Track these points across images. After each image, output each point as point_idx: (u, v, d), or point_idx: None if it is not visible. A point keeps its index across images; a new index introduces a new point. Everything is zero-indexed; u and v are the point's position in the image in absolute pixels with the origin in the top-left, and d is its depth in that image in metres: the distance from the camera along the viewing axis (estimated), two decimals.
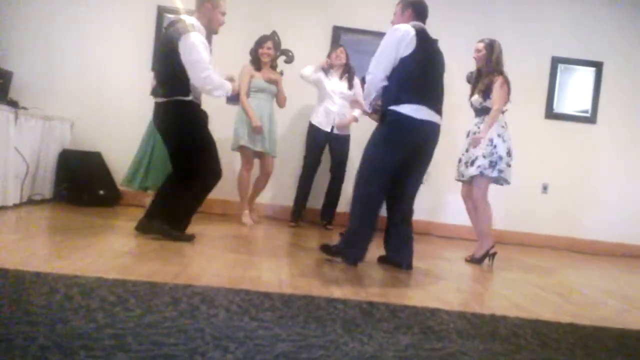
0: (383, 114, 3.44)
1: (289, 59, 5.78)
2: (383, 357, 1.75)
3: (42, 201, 5.01)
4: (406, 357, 1.78)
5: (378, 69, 3.39)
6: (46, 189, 5.13)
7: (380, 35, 5.74)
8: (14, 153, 4.47)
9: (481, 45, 4.29)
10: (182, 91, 3.57)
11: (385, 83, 3.39)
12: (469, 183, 4.32)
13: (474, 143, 4.17)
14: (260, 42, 5.09)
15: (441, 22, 5.95)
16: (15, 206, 4.51)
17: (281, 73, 5.26)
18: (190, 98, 3.59)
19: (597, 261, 5.45)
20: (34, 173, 4.89)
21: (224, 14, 3.75)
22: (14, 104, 4.67)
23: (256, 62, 5.07)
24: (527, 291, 3.34)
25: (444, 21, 5.95)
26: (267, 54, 5.05)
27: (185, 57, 3.49)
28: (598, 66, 6.15)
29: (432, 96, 3.42)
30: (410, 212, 3.65)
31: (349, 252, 3.47)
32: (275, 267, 3.15)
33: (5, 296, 1.94)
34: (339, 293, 2.63)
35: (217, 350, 1.62)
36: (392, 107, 3.35)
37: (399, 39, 3.34)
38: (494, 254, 4.19)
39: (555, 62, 6.13)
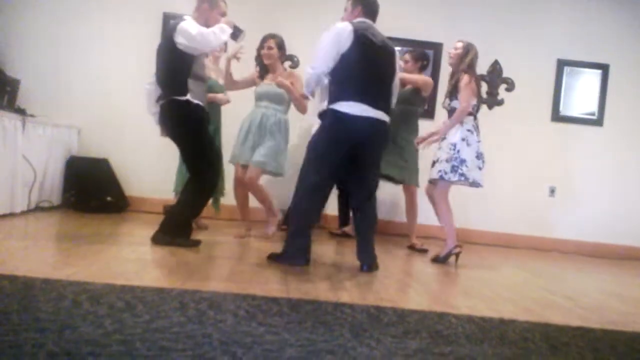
0: (323, 112, 3.48)
1: (295, 65, 5.80)
2: None
3: (50, 208, 5.04)
4: None
5: (319, 63, 3.40)
6: (54, 196, 5.16)
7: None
8: (21, 160, 4.49)
9: (460, 44, 4.30)
10: (178, 91, 3.58)
11: (325, 78, 3.42)
12: (433, 184, 4.34)
13: (427, 143, 4.30)
14: (260, 43, 4.60)
15: (445, 27, 5.97)
16: (23, 213, 4.53)
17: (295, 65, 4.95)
18: (186, 98, 3.58)
19: (606, 264, 5.41)
20: (41, 180, 4.91)
21: (223, 14, 3.75)
22: (21, 112, 4.70)
23: (261, 68, 4.66)
24: (536, 295, 3.32)
25: (449, 25, 5.96)
26: (266, 54, 4.48)
27: (185, 39, 3.49)
28: (604, 68, 6.13)
29: (372, 94, 3.40)
30: (366, 209, 3.57)
31: (295, 252, 3.42)
32: (282, 272, 3.15)
33: (14, 303, 1.95)
34: (346, 298, 2.63)
35: (225, 356, 1.62)
36: (330, 106, 3.40)
37: (336, 36, 3.38)
38: (458, 254, 4.19)
39: (561, 64, 6.11)
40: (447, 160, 4.14)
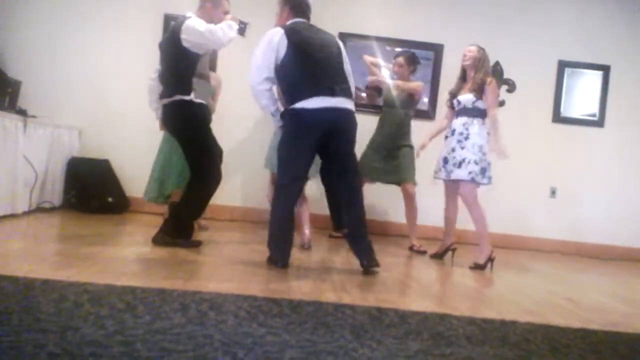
0: (282, 116, 3.47)
1: None
2: None
3: (51, 209, 5.04)
4: None
5: (254, 76, 3.40)
6: (55, 196, 5.16)
7: (386, 40, 5.76)
8: (22, 161, 4.49)
9: (473, 48, 4.32)
10: (182, 90, 3.58)
11: (266, 86, 3.41)
12: (453, 183, 4.29)
13: (501, 154, 4.15)
14: None
15: (446, 26, 5.97)
16: (25, 214, 4.53)
17: None
18: (190, 97, 3.59)
19: (607, 266, 5.41)
20: (42, 181, 4.92)
21: (226, 13, 3.75)
22: (22, 113, 4.70)
23: None
24: (537, 296, 3.31)
25: (450, 26, 5.97)
26: None
27: (192, 37, 3.49)
28: (605, 70, 6.12)
29: (326, 85, 3.37)
30: (352, 203, 3.52)
31: (277, 254, 3.40)
32: (283, 273, 3.15)
33: (15, 303, 1.95)
34: (347, 299, 2.62)
35: (226, 357, 1.62)
36: (288, 108, 3.41)
37: (268, 44, 3.38)
38: (493, 259, 4.15)
39: (562, 66, 6.11)
40: (476, 162, 4.11)
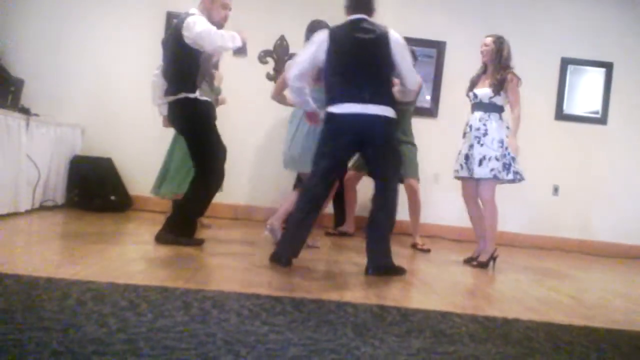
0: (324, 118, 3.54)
1: None
2: None
3: (54, 207, 5.05)
4: None
5: (290, 71, 3.49)
6: (58, 195, 5.17)
7: None
8: (25, 160, 4.50)
9: (489, 40, 4.19)
10: (187, 88, 3.58)
11: (298, 84, 3.46)
12: (474, 181, 4.19)
13: (515, 150, 4.08)
14: None
15: (448, 24, 5.96)
16: (27, 212, 4.54)
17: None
18: (195, 95, 3.60)
19: (609, 263, 5.40)
20: (45, 179, 4.92)
21: (225, 7, 3.72)
22: (25, 111, 4.71)
23: None
24: (540, 294, 3.31)
25: (452, 23, 5.95)
26: None
27: (191, 35, 3.48)
28: (608, 67, 6.11)
29: (353, 89, 3.35)
30: (376, 207, 3.49)
31: (283, 249, 3.38)
32: (285, 271, 3.15)
33: (18, 302, 1.95)
34: (349, 297, 2.63)
35: (229, 355, 1.62)
36: (327, 109, 3.44)
37: (311, 44, 3.47)
38: (496, 257, 4.14)
39: (565, 63, 6.10)
40: (497, 159, 4.03)
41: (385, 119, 3.37)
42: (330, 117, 3.40)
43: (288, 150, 4.16)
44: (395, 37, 3.43)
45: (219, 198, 4.41)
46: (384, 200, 3.47)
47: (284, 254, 3.34)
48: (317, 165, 3.46)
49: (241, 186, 5.53)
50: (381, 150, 3.44)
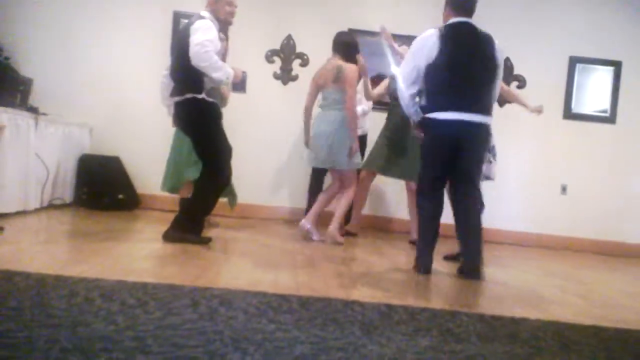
0: (419, 123, 3.51)
1: (304, 63, 5.82)
2: None
3: (63, 205, 5.08)
4: (425, 359, 1.77)
5: (401, 81, 3.46)
6: (66, 193, 5.20)
7: (394, 36, 5.72)
8: (34, 158, 4.53)
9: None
10: (194, 88, 3.59)
11: (413, 91, 3.44)
12: None
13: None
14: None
15: None
16: (36, 210, 4.57)
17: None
18: (202, 96, 3.60)
19: (617, 262, 5.37)
20: (54, 178, 4.95)
21: (230, 4, 3.73)
22: (34, 111, 4.74)
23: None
24: (547, 293, 3.30)
25: None
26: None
27: (190, 39, 3.48)
28: (617, 65, 6.07)
29: (461, 99, 3.34)
30: (469, 210, 3.51)
31: (419, 260, 3.51)
32: (292, 270, 3.15)
33: (27, 299, 1.96)
34: (356, 295, 2.63)
35: (237, 352, 1.63)
36: (428, 115, 3.42)
37: (421, 48, 3.37)
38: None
39: (573, 61, 6.07)
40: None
41: (486, 125, 3.44)
42: (432, 122, 3.37)
43: (322, 148, 4.39)
44: (498, 43, 3.49)
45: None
46: (475, 211, 3.53)
47: (426, 264, 3.47)
48: (426, 175, 3.50)
49: (248, 185, 5.53)
50: (475, 160, 3.49)
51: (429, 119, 3.40)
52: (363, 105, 5.12)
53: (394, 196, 5.83)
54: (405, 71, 3.45)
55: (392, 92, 4.98)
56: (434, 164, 3.49)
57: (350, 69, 4.39)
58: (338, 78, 4.37)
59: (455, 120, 3.33)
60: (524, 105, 4.58)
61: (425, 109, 3.44)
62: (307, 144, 4.67)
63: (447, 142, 3.39)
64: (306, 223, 4.50)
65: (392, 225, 5.88)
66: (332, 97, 4.44)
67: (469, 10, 3.47)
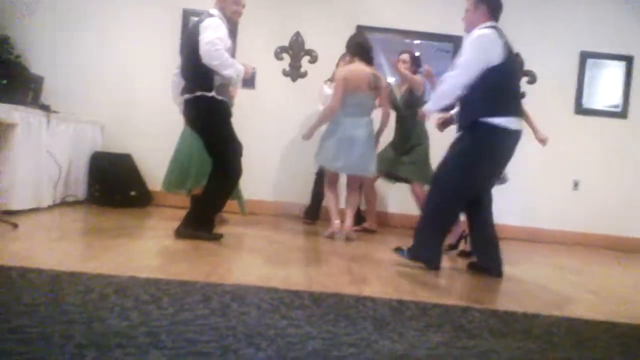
0: (471, 125, 3.28)
1: (313, 60, 5.81)
2: (414, 355, 1.74)
3: (75, 202, 5.11)
4: (438, 355, 1.77)
5: (461, 78, 3.24)
6: (79, 190, 5.24)
7: (404, 33, 5.72)
8: (46, 156, 4.56)
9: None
10: (204, 86, 3.60)
11: (463, 92, 3.27)
12: None
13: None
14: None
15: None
16: (50, 208, 4.60)
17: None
18: (212, 94, 3.61)
19: (630, 258, 5.34)
20: (66, 175, 4.99)
21: (237, 3, 3.74)
22: (45, 108, 4.76)
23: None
24: (560, 289, 3.28)
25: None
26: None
27: (200, 37, 3.48)
28: (628, 60, 6.01)
29: (517, 102, 3.32)
30: (491, 215, 3.51)
31: (421, 253, 3.41)
32: (303, 266, 3.16)
33: (42, 296, 1.99)
34: (368, 291, 2.63)
35: (250, 348, 1.64)
36: (485, 119, 3.21)
37: (481, 48, 3.20)
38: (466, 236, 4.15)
39: (584, 56, 6.02)
40: None
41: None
42: (500, 130, 3.19)
43: (354, 154, 4.35)
44: None
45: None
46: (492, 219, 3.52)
47: (436, 259, 3.41)
48: (467, 186, 3.33)
49: (256, 181, 5.54)
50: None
51: (493, 125, 3.18)
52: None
53: (392, 191, 5.83)
54: (472, 71, 3.21)
55: (393, 102, 4.91)
56: (490, 174, 3.36)
57: (384, 79, 4.58)
58: (376, 86, 4.41)
59: (518, 131, 3.26)
60: (532, 128, 4.41)
61: (482, 112, 3.22)
62: (306, 137, 4.64)
63: (510, 155, 3.29)
64: (344, 229, 4.43)
65: (390, 221, 5.88)
66: (365, 103, 4.43)
67: (499, 18, 3.39)
